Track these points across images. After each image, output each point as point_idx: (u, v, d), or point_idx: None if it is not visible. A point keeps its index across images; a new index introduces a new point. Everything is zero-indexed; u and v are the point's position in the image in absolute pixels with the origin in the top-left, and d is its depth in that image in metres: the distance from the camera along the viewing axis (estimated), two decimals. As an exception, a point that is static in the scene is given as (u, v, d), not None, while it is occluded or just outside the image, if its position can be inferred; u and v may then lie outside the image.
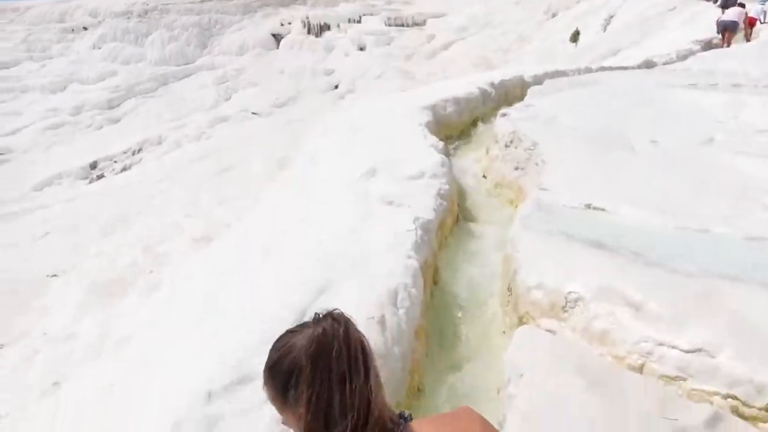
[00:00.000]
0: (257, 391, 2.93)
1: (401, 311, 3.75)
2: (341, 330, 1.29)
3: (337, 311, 1.35)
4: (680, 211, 4.85)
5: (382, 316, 3.49)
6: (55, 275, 8.07)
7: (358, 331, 1.33)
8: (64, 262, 8.44)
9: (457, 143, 8.90)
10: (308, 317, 3.57)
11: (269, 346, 3.26)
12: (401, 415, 1.30)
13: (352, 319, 1.33)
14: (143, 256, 8.07)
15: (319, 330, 1.28)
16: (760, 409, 3.12)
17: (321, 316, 1.33)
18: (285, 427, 2.58)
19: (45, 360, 5.01)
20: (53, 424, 3.25)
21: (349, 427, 1.20)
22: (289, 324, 3.47)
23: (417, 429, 1.26)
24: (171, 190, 10.92)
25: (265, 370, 1.28)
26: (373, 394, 1.23)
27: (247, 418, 2.74)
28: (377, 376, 1.28)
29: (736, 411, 3.14)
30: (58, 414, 3.48)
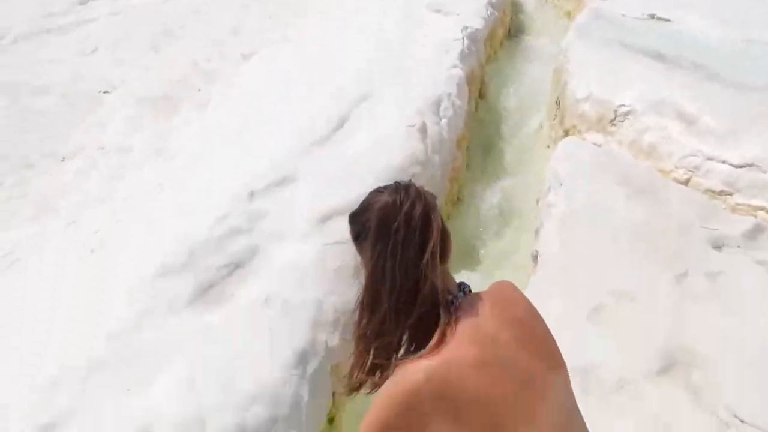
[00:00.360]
0: (295, 192, 3.00)
1: (443, 120, 3.67)
2: (407, 205, 1.26)
3: (413, 186, 1.31)
4: (751, 23, 4.46)
5: (423, 124, 3.43)
6: (107, 91, 8.05)
7: (429, 208, 1.27)
8: (114, 78, 8.40)
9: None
10: (348, 124, 3.55)
11: (308, 150, 3.27)
12: (461, 287, 1.26)
13: (427, 195, 1.29)
14: (192, 72, 7.96)
15: (390, 200, 1.28)
16: (804, 225, 3.05)
17: (400, 184, 1.31)
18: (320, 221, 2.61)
19: (103, 171, 5.18)
20: (111, 219, 3.42)
21: (392, 304, 1.21)
22: (327, 130, 3.47)
23: (472, 300, 1.24)
24: (216, 4, 10.50)
25: (349, 215, 1.30)
26: (424, 274, 1.20)
27: (285, 215, 2.82)
28: (435, 255, 1.22)
29: (780, 226, 3.08)
30: (114, 213, 3.65)
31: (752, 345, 2.16)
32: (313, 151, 3.23)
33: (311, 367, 2.29)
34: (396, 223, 1.24)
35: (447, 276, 1.27)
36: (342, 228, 2.71)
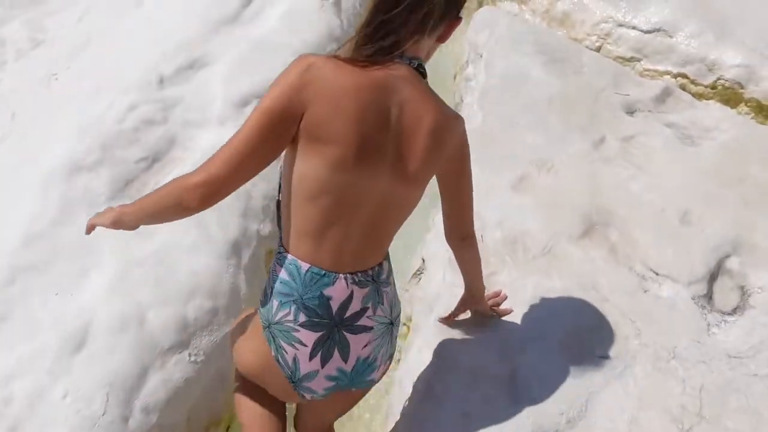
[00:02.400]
0: (207, 75, 2.83)
1: (356, -7, 3.52)
2: None
3: None
4: None
5: (337, -1, 3.27)
6: None
7: None
8: None
9: None
10: (257, 0, 3.31)
11: (216, 30, 3.06)
12: (418, 66, 1.32)
13: None
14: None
15: None
16: (706, 86, 3.22)
17: None
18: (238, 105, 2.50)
19: None
20: (3, 114, 3.14)
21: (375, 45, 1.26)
22: (235, 7, 3.25)
23: (413, 77, 1.30)
24: None
25: None
26: (407, 30, 1.26)
27: (200, 101, 2.68)
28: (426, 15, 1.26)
29: (683, 88, 3.24)
30: (5, 107, 3.34)
31: (661, 202, 2.32)
32: (221, 30, 3.02)
33: (246, 256, 2.29)
34: None
35: (422, 47, 1.32)
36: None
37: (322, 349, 1.37)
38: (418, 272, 2.35)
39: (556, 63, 2.89)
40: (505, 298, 1.91)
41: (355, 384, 1.46)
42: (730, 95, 3.16)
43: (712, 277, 2.07)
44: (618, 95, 2.80)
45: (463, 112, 2.91)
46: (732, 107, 3.18)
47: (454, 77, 3.59)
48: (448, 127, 1.36)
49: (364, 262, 1.38)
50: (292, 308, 1.35)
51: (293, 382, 1.41)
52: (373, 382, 1.51)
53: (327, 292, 1.34)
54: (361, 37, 1.27)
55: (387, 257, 1.47)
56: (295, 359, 1.37)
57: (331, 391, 1.44)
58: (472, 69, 3.07)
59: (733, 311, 2.00)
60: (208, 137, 2.55)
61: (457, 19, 1.36)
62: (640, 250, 2.11)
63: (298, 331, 1.35)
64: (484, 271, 1.78)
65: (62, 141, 2.47)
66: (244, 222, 2.34)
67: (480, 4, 3.79)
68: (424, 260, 2.33)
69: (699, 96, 3.22)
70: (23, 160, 2.56)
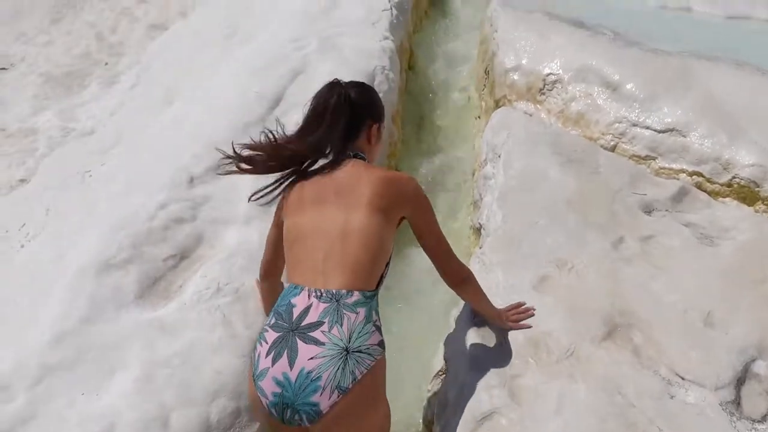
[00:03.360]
0: (236, 175, 2.93)
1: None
2: (332, 95, 1.93)
3: (340, 84, 1.99)
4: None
5: (359, 100, 3.40)
6: (4, 68, 7.50)
7: (348, 99, 1.93)
8: (13, 53, 7.83)
9: None
10: (284, 102, 3.47)
11: (244, 131, 3.20)
12: (355, 155, 1.93)
13: (349, 91, 1.96)
14: (97, 45, 7.53)
15: (324, 89, 1.98)
16: (722, 185, 3.27)
17: (335, 81, 2.00)
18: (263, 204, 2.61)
19: (7, 156, 4.85)
20: (37, 210, 3.25)
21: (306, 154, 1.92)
22: (262, 109, 3.40)
23: (362, 164, 1.90)
24: (119, -28, 9.89)
25: None
26: (329, 138, 1.90)
27: (227, 199, 2.77)
28: (346, 128, 1.91)
29: (699, 187, 3.29)
30: (39, 204, 3.45)
31: (683, 303, 2.32)
32: (249, 131, 3.15)
33: (269, 355, 2.29)
34: (318, 105, 1.93)
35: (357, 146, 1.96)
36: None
37: (276, 349, 1.61)
38: (440, 373, 2.34)
39: (573, 163, 2.97)
40: (526, 312, 2.22)
41: (299, 401, 1.54)
42: (746, 193, 3.20)
43: (739, 382, 2.04)
44: (635, 195, 2.86)
45: (483, 211, 2.97)
46: (749, 205, 3.22)
47: (473, 174, 3.68)
48: (393, 178, 1.86)
49: (328, 282, 1.67)
50: (272, 314, 1.71)
51: (254, 379, 1.63)
52: (317, 413, 1.54)
53: (293, 300, 1.67)
54: (312, 154, 1.93)
55: (368, 296, 1.69)
56: (258, 355, 1.65)
57: (277, 403, 1.56)
58: (490, 168, 3.15)
59: (763, 418, 1.96)
60: (233, 235, 2.62)
61: (377, 125, 2.04)
62: (665, 353, 2.10)
63: (267, 331, 1.67)
64: (509, 372, 1.99)
65: (94, 238, 2.55)
66: (269, 320, 2.36)
67: (497, 104, 3.93)
68: (446, 360, 2.32)
69: (715, 194, 3.26)
70: (55, 256, 2.63)
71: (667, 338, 2.15)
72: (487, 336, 2.21)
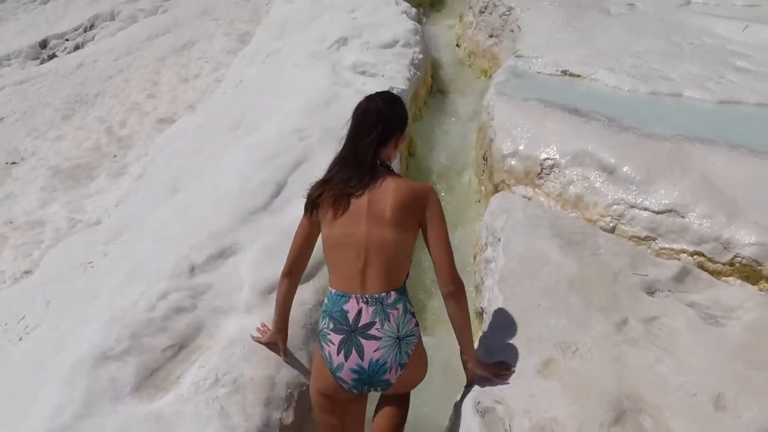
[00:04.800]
0: (236, 263, 2.95)
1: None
2: (369, 105, 2.21)
3: (375, 99, 2.23)
4: (654, 76, 4.80)
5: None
6: (14, 162, 7.72)
7: (384, 109, 2.21)
8: (23, 149, 8.08)
9: (429, 10, 8.55)
10: (287, 189, 3.51)
11: (246, 219, 3.22)
12: (382, 164, 2.21)
13: (383, 107, 2.21)
14: (106, 139, 7.77)
15: (363, 103, 2.24)
16: (724, 264, 3.25)
17: (372, 97, 2.25)
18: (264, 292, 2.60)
19: (14, 248, 4.91)
20: (37, 301, 3.25)
21: (343, 166, 2.19)
22: (264, 198, 3.45)
23: (388, 177, 2.17)
24: (129, 69, 10.36)
25: None
26: (366, 151, 2.15)
27: (228, 288, 2.77)
28: (378, 140, 2.17)
29: (701, 267, 3.27)
30: (39, 295, 3.46)
31: (692, 386, 2.26)
32: (251, 220, 3.20)
33: (268, 448, 2.23)
34: (358, 115, 2.21)
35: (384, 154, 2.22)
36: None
37: (344, 348, 2.06)
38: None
39: (573, 245, 2.98)
40: (508, 370, 2.33)
41: (374, 380, 2.09)
42: (749, 272, 3.18)
43: (757, 470, 1.96)
44: (636, 275, 2.84)
45: (484, 295, 2.96)
46: (752, 284, 3.19)
47: (474, 257, 3.69)
48: (411, 190, 2.15)
49: (370, 289, 2.08)
50: (327, 319, 2.12)
51: (332, 372, 2.08)
52: (389, 383, 2.12)
53: (344, 307, 2.08)
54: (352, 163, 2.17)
55: (400, 291, 2.13)
56: (329, 354, 2.08)
57: (357, 384, 2.09)
58: (491, 251, 3.16)
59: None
60: (233, 324, 2.61)
61: (402, 134, 2.27)
62: (676, 438, 2.02)
63: (329, 334, 2.09)
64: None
65: (93, 330, 2.53)
66: (267, 411, 2.31)
67: (496, 189, 3.99)
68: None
69: (718, 274, 3.24)
70: (53, 349, 2.61)
71: (679, 423, 2.08)
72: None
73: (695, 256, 3.32)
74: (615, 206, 3.55)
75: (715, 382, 2.26)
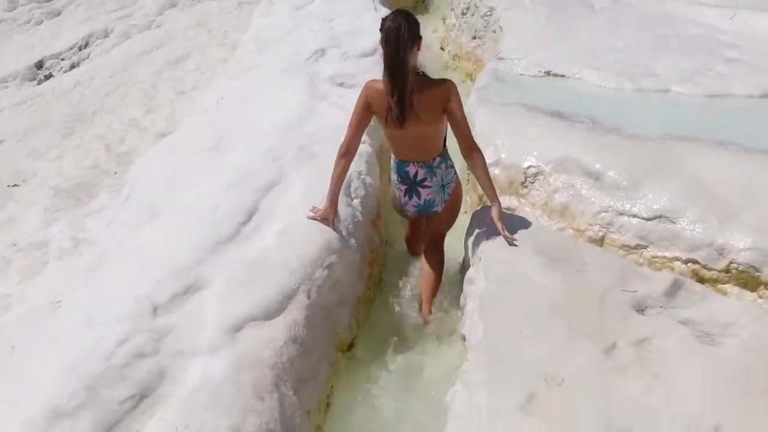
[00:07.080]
0: (202, 300, 2.78)
1: (356, 201, 3.57)
2: (393, 25, 2.69)
3: (398, 18, 2.73)
4: (640, 72, 4.64)
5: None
6: (16, 184, 7.60)
7: (404, 27, 2.69)
8: (24, 170, 7.95)
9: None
10: (257, 215, 3.34)
11: (214, 250, 3.06)
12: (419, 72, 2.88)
13: (404, 21, 2.72)
14: (106, 156, 7.64)
15: (388, 24, 2.72)
16: (719, 271, 3.09)
17: (394, 16, 2.76)
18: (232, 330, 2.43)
19: (18, 270, 4.78)
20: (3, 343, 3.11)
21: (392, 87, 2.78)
22: (233, 225, 3.27)
23: (417, 83, 2.81)
24: (126, 85, 10.22)
25: None
26: (402, 65, 2.73)
27: (193, 328, 2.61)
28: (411, 52, 2.74)
29: (696, 275, 3.11)
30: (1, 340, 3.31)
31: (686, 417, 2.10)
32: (218, 251, 3.03)
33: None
34: (385, 35, 2.72)
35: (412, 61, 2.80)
36: (257, 336, 2.53)
37: (408, 193, 3.16)
38: None
39: (557, 263, 2.81)
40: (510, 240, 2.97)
41: (427, 211, 3.21)
42: (746, 279, 3.02)
43: None
44: (625, 293, 2.67)
45: (465, 321, 2.80)
46: (751, 290, 3.03)
47: (460, 271, 3.52)
48: (436, 92, 2.82)
49: (419, 157, 3.04)
50: (396, 176, 3.18)
51: (401, 205, 3.26)
52: (437, 210, 3.20)
53: (407, 169, 3.09)
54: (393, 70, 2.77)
55: (443, 156, 3.10)
56: (399, 196, 3.22)
57: (417, 212, 3.24)
58: (473, 271, 3.00)
59: None
60: (197, 369, 2.45)
61: (419, 39, 2.80)
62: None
63: (398, 184, 3.17)
64: None
65: (46, 383, 2.38)
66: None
67: (480, 200, 3.83)
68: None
69: (715, 282, 3.08)
70: (10, 402, 2.46)
71: (670, 462, 1.92)
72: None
73: (689, 264, 3.17)
74: (603, 214, 3.40)
75: (711, 411, 2.10)
